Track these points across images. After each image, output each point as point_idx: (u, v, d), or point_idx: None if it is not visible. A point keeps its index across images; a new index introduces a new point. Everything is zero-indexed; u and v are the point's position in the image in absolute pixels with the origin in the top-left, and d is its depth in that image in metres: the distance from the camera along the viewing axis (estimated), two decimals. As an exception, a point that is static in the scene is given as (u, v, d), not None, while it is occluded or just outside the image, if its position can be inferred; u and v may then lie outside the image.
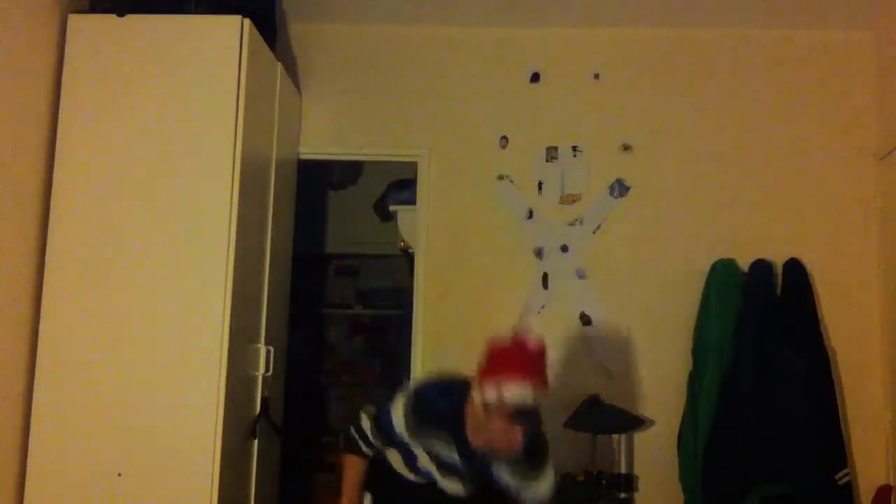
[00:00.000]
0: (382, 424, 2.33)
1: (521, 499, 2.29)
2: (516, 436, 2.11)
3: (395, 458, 2.38)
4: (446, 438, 2.26)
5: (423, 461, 2.31)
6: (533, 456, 2.25)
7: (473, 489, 2.32)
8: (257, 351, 2.98)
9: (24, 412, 2.61)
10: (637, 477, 3.35)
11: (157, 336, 2.64)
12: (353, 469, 2.43)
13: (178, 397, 2.61)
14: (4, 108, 2.52)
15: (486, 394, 2.10)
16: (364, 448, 2.41)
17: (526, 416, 2.11)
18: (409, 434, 2.28)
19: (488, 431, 2.16)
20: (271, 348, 3.02)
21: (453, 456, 2.27)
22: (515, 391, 2.07)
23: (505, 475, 2.27)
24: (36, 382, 2.63)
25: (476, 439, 2.22)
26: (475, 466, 2.28)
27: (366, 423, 2.39)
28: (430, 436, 2.27)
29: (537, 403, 2.13)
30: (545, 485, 2.28)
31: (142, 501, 2.57)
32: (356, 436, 2.40)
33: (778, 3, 3.37)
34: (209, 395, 2.60)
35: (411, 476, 2.35)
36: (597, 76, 3.60)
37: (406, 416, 2.27)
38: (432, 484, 2.32)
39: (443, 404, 2.27)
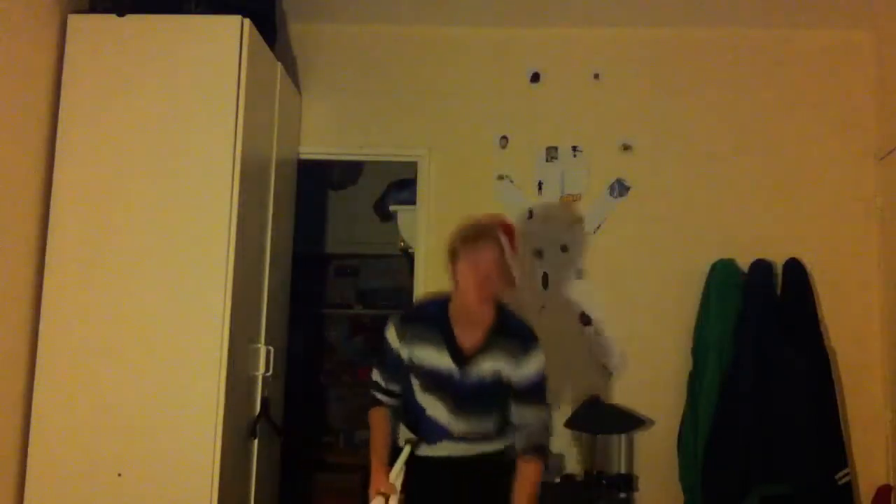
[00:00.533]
0: (384, 355, 2.45)
1: (513, 385, 2.37)
2: (488, 266, 2.26)
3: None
4: (436, 341, 2.37)
5: (420, 389, 2.39)
6: (521, 337, 2.38)
7: (467, 419, 2.39)
8: (257, 351, 2.98)
9: (24, 412, 2.61)
10: (637, 477, 3.35)
11: (157, 336, 2.64)
12: (378, 428, 2.44)
13: (178, 397, 2.61)
14: (4, 108, 2.52)
15: (450, 246, 2.34)
16: (382, 397, 2.47)
17: (487, 237, 2.29)
18: (404, 345, 2.39)
19: (465, 287, 2.31)
20: (271, 348, 3.02)
21: (445, 361, 2.35)
22: (470, 221, 2.36)
23: (496, 363, 2.35)
24: (36, 382, 2.63)
25: (461, 317, 2.37)
26: (468, 372, 2.36)
27: (375, 371, 2.49)
28: (420, 340, 2.37)
29: (497, 229, 2.31)
30: (535, 364, 2.37)
31: (142, 501, 2.57)
32: (372, 389, 2.49)
33: (778, 3, 3.37)
34: (209, 395, 2.60)
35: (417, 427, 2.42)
36: (597, 76, 3.61)
37: (398, 328, 2.42)
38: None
39: (430, 307, 2.47)
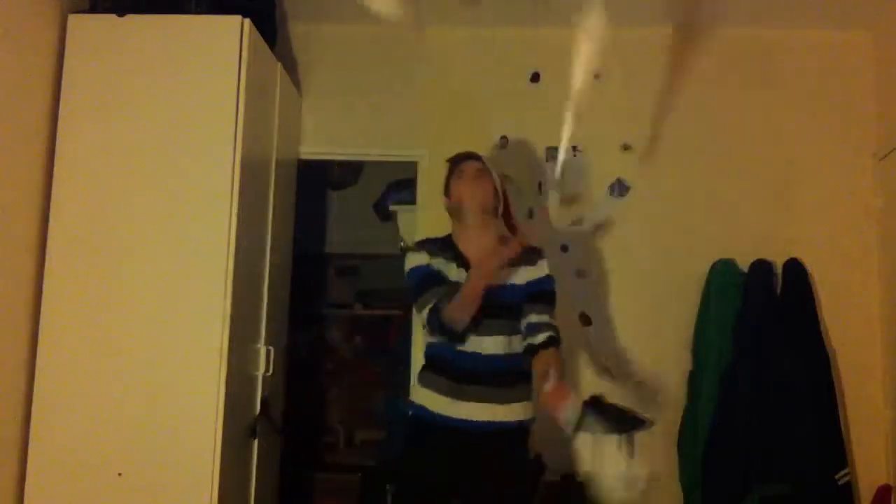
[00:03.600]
0: (420, 282, 2.44)
1: (533, 290, 2.45)
2: (474, 171, 2.48)
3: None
4: (450, 257, 2.48)
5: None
6: (527, 251, 2.47)
7: (493, 339, 2.42)
8: (257, 351, 2.98)
9: (24, 412, 2.61)
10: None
11: (158, 336, 2.64)
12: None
13: (178, 397, 2.61)
14: (4, 108, 2.52)
15: (445, 181, 2.54)
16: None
17: (475, 159, 2.52)
18: (430, 256, 2.47)
19: (461, 201, 2.47)
20: (271, 348, 3.02)
21: (463, 275, 2.40)
22: (456, 154, 2.57)
23: (509, 271, 2.42)
24: (36, 382, 2.62)
25: (464, 237, 2.50)
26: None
27: (424, 301, 2.40)
28: (439, 255, 2.47)
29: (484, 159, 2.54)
30: (543, 263, 2.51)
31: (142, 501, 2.57)
32: (435, 309, 2.36)
33: (778, 3, 3.37)
34: (209, 395, 2.60)
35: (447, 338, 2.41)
36: (597, 76, 3.60)
37: (420, 249, 2.51)
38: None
39: (437, 239, 2.57)
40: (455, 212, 2.52)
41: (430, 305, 2.37)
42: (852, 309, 3.42)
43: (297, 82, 3.59)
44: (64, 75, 2.74)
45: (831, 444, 3.21)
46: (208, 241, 2.67)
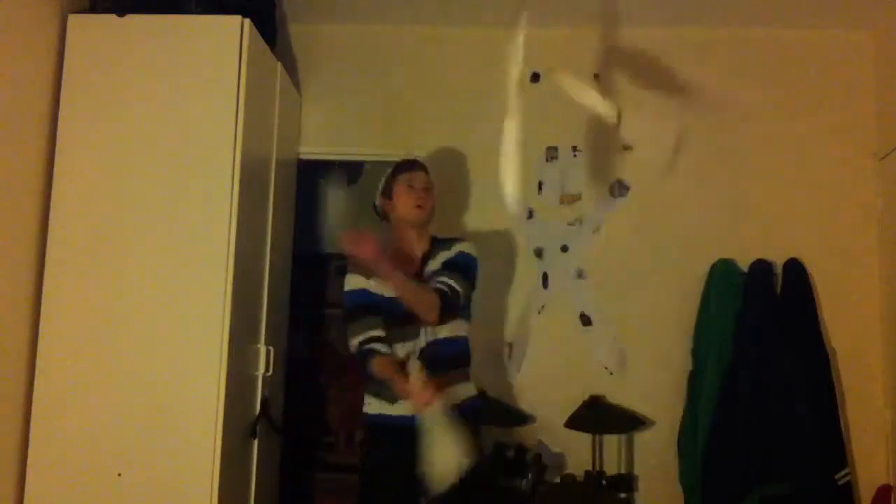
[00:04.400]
0: (356, 306, 2.53)
1: (449, 271, 2.56)
2: (422, 181, 2.61)
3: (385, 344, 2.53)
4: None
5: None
6: (451, 240, 2.67)
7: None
8: (257, 351, 2.98)
9: (24, 412, 2.61)
10: (637, 477, 3.35)
11: (157, 336, 2.64)
12: (384, 364, 2.47)
13: (178, 397, 2.61)
14: (4, 108, 2.52)
15: (382, 187, 2.65)
16: (378, 346, 2.49)
17: (424, 171, 2.65)
18: (367, 277, 2.52)
19: (404, 209, 2.59)
20: (271, 348, 3.02)
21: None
22: (405, 160, 2.71)
23: (436, 263, 2.58)
24: (36, 382, 2.62)
25: (399, 252, 2.58)
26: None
27: (356, 328, 2.51)
28: (369, 273, 2.51)
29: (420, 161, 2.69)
30: (461, 247, 2.64)
31: (142, 501, 2.57)
32: (363, 347, 2.49)
33: (778, 3, 3.36)
34: (209, 395, 2.60)
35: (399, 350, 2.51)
36: (597, 76, 3.60)
37: (356, 272, 2.55)
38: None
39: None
40: (395, 217, 2.64)
41: (359, 339, 2.50)
42: (852, 309, 3.42)
43: (297, 82, 3.59)
44: (64, 75, 2.75)
45: (831, 444, 3.21)
46: (208, 241, 2.67)
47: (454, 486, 2.25)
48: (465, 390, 2.57)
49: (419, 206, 2.60)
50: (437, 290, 2.49)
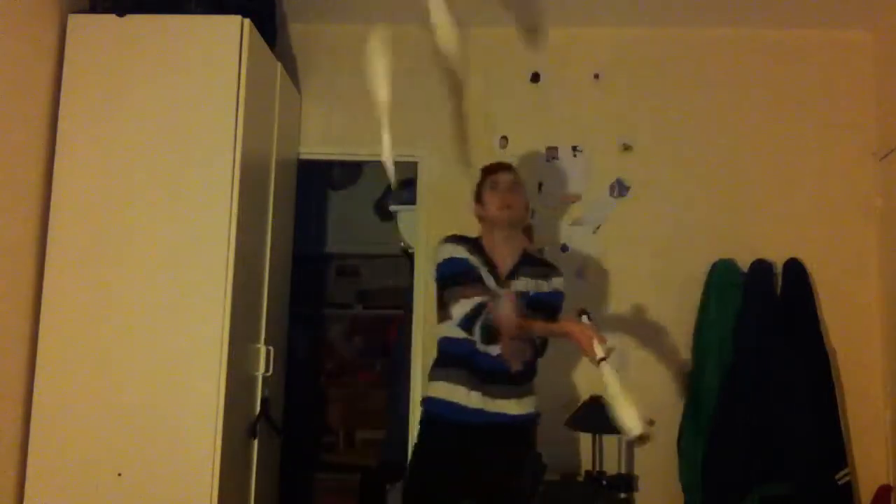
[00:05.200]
0: (454, 273, 2.47)
1: (541, 298, 2.53)
2: (507, 183, 2.58)
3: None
4: (482, 261, 2.53)
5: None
6: (546, 265, 2.65)
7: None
8: (257, 351, 2.98)
9: (24, 412, 2.61)
10: (637, 477, 3.35)
11: (157, 336, 2.64)
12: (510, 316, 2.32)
13: (178, 397, 2.61)
14: (4, 108, 2.52)
15: (476, 188, 2.63)
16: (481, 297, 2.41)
17: (509, 171, 2.63)
18: (464, 249, 2.52)
19: (491, 210, 2.56)
20: (271, 348, 3.02)
21: (489, 280, 2.50)
22: (490, 164, 2.69)
23: (526, 285, 2.52)
24: (36, 382, 2.62)
25: (492, 247, 2.55)
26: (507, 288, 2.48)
27: (458, 295, 2.42)
28: (474, 254, 2.52)
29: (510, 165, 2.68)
30: (556, 284, 2.60)
31: (142, 501, 2.57)
32: (480, 309, 2.37)
33: (778, 3, 3.37)
34: (209, 395, 2.60)
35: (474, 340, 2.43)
36: (597, 76, 3.60)
37: (456, 242, 2.54)
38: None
39: (469, 238, 2.59)
40: (485, 220, 2.60)
41: (472, 304, 2.38)
42: (852, 309, 3.42)
43: (296, 82, 3.59)
44: (64, 75, 2.75)
45: (831, 444, 3.21)
46: (208, 241, 2.67)
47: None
48: (529, 403, 2.55)
49: (505, 207, 2.55)
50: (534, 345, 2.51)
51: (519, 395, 2.49)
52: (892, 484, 3.25)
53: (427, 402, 2.54)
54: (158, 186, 2.70)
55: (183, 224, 2.68)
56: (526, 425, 2.53)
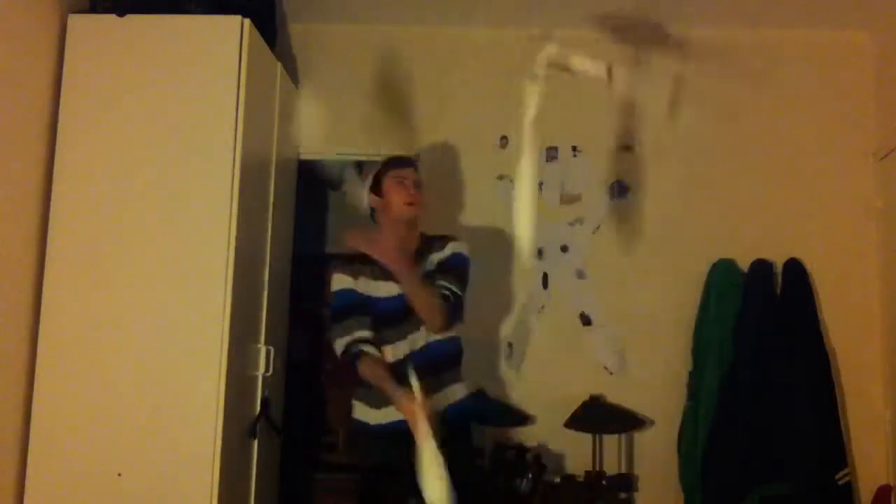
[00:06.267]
0: (342, 308, 2.49)
1: (443, 273, 2.53)
2: (412, 177, 2.57)
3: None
4: (370, 270, 2.50)
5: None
6: (442, 238, 2.63)
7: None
8: (257, 351, 2.98)
9: (24, 412, 2.61)
10: (637, 477, 3.35)
11: (157, 336, 2.64)
12: (378, 365, 2.43)
13: (178, 397, 2.61)
14: (4, 108, 2.52)
15: (372, 180, 2.61)
16: (365, 347, 2.45)
17: (414, 168, 2.63)
18: (355, 277, 2.51)
19: (395, 203, 2.54)
20: (271, 348, 3.02)
21: (392, 288, 2.47)
22: (394, 157, 2.69)
23: (430, 264, 2.55)
24: (36, 382, 2.62)
25: (385, 241, 2.47)
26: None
27: (339, 331, 2.47)
28: (364, 271, 2.51)
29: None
30: (453, 247, 2.59)
31: (142, 501, 2.57)
32: (349, 348, 2.45)
33: (778, 3, 3.37)
34: (209, 395, 2.60)
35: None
36: (596, 76, 3.59)
37: (342, 271, 2.54)
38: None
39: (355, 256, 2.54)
40: (385, 214, 2.58)
41: (346, 340, 2.46)
42: (852, 309, 3.42)
43: (297, 82, 3.59)
44: (64, 75, 2.74)
45: (831, 444, 3.21)
46: (208, 241, 2.67)
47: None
48: (457, 391, 2.55)
49: (411, 203, 2.55)
50: (442, 296, 2.47)
51: (440, 388, 2.46)
52: (892, 484, 3.25)
53: (356, 421, 2.57)
54: (158, 186, 2.69)
55: (183, 224, 2.68)
56: (457, 415, 2.48)
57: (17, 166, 2.60)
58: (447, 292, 2.48)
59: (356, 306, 2.50)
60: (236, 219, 2.68)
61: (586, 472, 3.22)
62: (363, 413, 2.54)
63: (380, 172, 2.62)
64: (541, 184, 3.56)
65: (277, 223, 3.19)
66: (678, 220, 3.51)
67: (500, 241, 3.52)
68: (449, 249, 2.58)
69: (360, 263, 2.52)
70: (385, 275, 2.49)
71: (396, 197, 2.55)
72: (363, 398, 2.54)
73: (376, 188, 2.60)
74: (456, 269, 2.55)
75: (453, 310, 2.50)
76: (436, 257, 2.58)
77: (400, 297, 2.47)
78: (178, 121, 2.72)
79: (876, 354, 3.39)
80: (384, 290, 2.51)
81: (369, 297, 2.51)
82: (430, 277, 2.52)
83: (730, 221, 3.49)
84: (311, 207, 4.64)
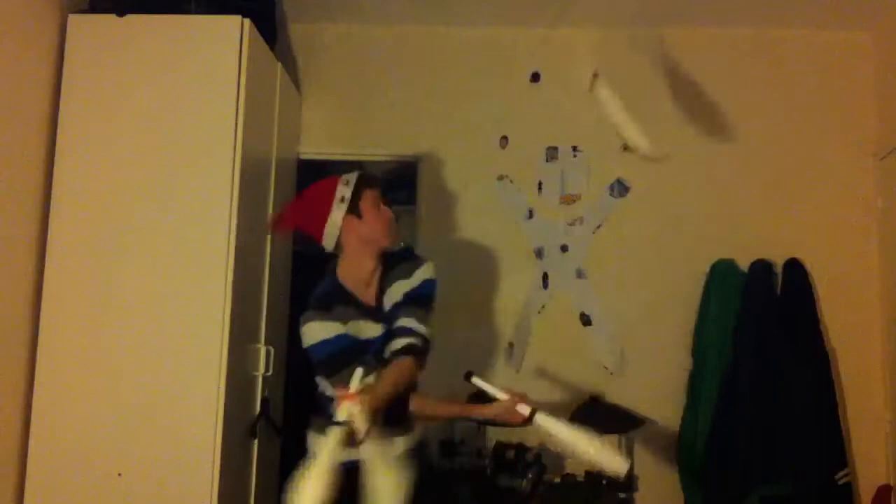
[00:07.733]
0: (325, 354, 2.18)
1: (410, 307, 2.24)
2: (383, 208, 2.31)
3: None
4: (352, 311, 2.26)
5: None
6: (407, 259, 2.34)
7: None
8: (257, 351, 2.98)
9: (24, 412, 2.61)
10: (637, 477, 3.35)
11: (157, 336, 2.64)
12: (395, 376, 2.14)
13: (178, 397, 2.61)
14: (4, 108, 2.52)
15: (353, 197, 2.28)
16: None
17: (373, 178, 2.36)
18: (343, 323, 2.22)
19: (379, 238, 2.30)
20: (271, 348, 3.02)
21: (370, 327, 2.24)
22: (365, 175, 2.34)
23: (397, 294, 2.26)
24: (36, 382, 2.62)
25: (353, 278, 2.31)
26: (384, 320, 2.25)
27: (322, 380, 2.21)
28: (343, 314, 2.24)
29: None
30: (421, 274, 2.28)
31: (142, 501, 2.57)
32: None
33: (777, 3, 3.37)
34: (209, 395, 2.60)
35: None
36: (596, 76, 3.59)
37: (324, 318, 2.23)
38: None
39: (324, 287, 2.37)
40: (362, 238, 2.31)
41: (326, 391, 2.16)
42: (852, 309, 3.42)
43: (297, 82, 3.59)
44: (64, 75, 2.74)
45: (831, 444, 3.21)
46: (208, 240, 2.67)
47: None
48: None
49: (390, 230, 2.33)
50: (410, 349, 2.17)
51: (392, 436, 2.15)
52: (892, 484, 3.25)
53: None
54: (158, 186, 2.70)
55: (183, 224, 2.68)
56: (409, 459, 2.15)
57: (17, 166, 2.60)
58: (415, 340, 2.19)
59: (351, 350, 2.19)
60: (236, 219, 2.68)
61: (586, 472, 3.22)
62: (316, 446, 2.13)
63: (355, 193, 2.31)
64: (541, 184, 3.56)
65: (277, 223, 3.19)
66: (678, 220, 3.51)
67: (499, 242, 3.53)
68: (418, 278, 2.28)
69: (337, 309, 2.27)
70: (367, 314, 2.27)
71: (378, 223, 2.31)
72: (319, 428, 2.16)
73: (354, 209, 2.29)
74: (425, 303, 2.28)
75: (424, 355, 2.22)
76: (402, 286, 2.27)
77: (384, 334, 2.25)
78: (178, 121, 2.72)
79: (876, 354, 3.39)
80: (371, 330, 2.26)
81: (365, 341, 2.24)
82: (393, 313, 2.24)
83: (730, 221, 3.49)
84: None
